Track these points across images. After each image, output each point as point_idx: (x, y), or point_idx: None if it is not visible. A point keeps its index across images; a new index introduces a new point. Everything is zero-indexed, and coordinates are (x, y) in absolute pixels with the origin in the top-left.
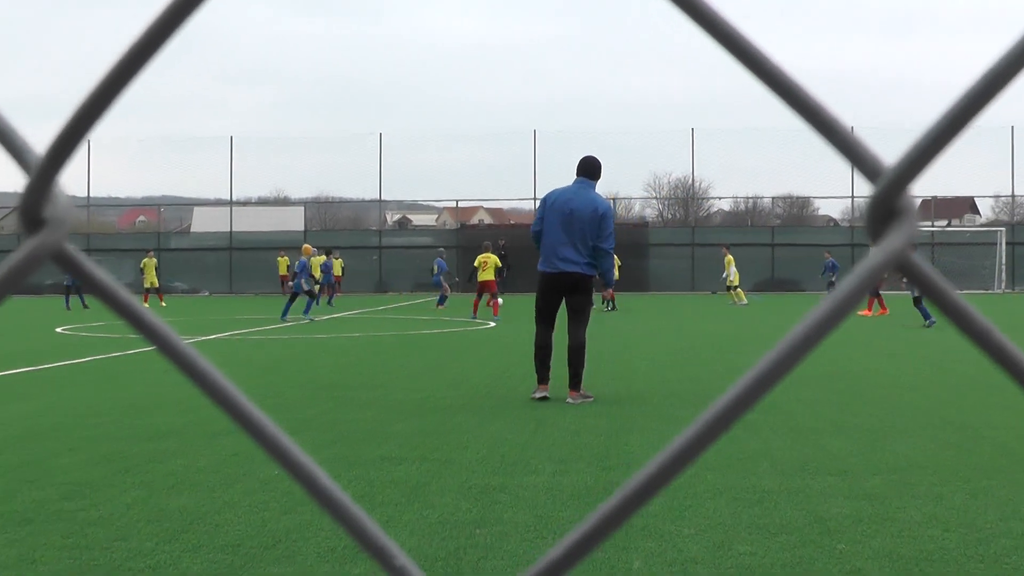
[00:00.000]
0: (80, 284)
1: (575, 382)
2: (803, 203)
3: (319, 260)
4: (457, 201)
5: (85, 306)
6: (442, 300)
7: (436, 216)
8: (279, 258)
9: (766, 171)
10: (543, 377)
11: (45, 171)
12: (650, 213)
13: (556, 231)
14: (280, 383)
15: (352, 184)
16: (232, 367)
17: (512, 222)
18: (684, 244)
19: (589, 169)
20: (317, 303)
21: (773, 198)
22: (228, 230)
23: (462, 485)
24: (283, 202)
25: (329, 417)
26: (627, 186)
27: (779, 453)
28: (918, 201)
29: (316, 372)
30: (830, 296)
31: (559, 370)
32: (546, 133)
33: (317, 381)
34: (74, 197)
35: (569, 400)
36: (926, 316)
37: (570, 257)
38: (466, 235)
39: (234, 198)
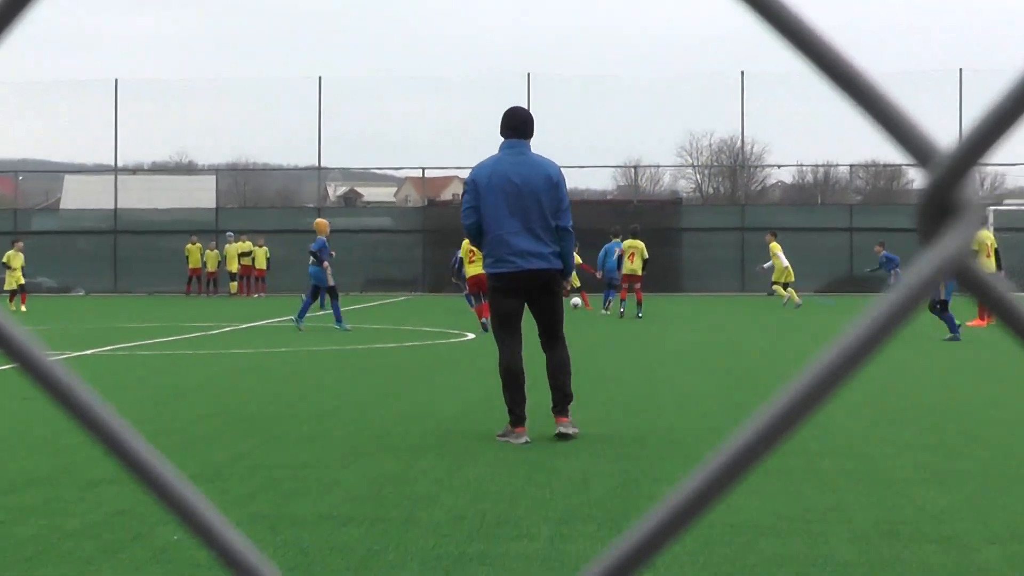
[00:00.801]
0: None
1: (565, 404)
2: (893, 173)
3: (237, 248)
4: (424, 169)
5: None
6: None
7: (395, 189)
8: (189, 245)
9: (843, 130)
10: (520, 415)
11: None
12: (684, 186)
13: (503, 217)
14: (184, 414)
15: (281, 146)
16: (118, 393)
17: None
18: (731, 228)
19: (522, 125)
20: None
21: (852, 166)
22: (112, 207)
23: (429, 554)
24: (187, 169)
25: (250, 461)
26: (652, 150)
27: (859, 512)
28: (981, 192)
29: (233, 399)
30: (866, 312)
31: (538, 397)
32: (544, 79)
33: (235, 412)
34: None
35: (561, 430)
36: (952, 328)
37: (531, 249)
38: (436, 215)
39: (120, 164)
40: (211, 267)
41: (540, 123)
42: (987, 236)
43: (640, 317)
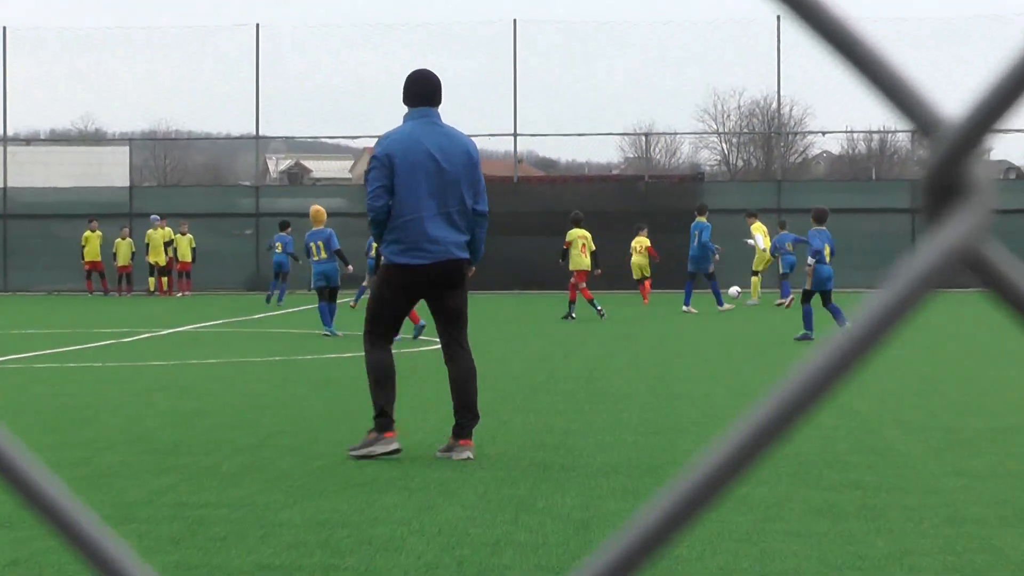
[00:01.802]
0: None
1: (472, 424)
2: None
3: (162, 235)
4: None
5: None
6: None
7: (351, 163)
8: (87, 232)
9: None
10: (390, 420)
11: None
12: (707, 158)
13: (422, 198)
14: (91, 442)
15: (211, 111)
16: (9, 416)
17: None
18: (766, 209)
19: (434, 91)
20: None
21: (914, 132)
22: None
23: None
24: (94, 139)
25: (173, 498)
26: (669, 114)
27: (924, 558)
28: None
29: (151, 423)
30: (864, 309)
31: (519, 415)
32: (534, 26)
33: (153, 438)
34: None
35: (468, 455)
36: (836, 316)
37: (446, 237)
38: None
39: (8, 132)
40: (122, 260)
41: (531, 80)
42: None
43: (602, 316)
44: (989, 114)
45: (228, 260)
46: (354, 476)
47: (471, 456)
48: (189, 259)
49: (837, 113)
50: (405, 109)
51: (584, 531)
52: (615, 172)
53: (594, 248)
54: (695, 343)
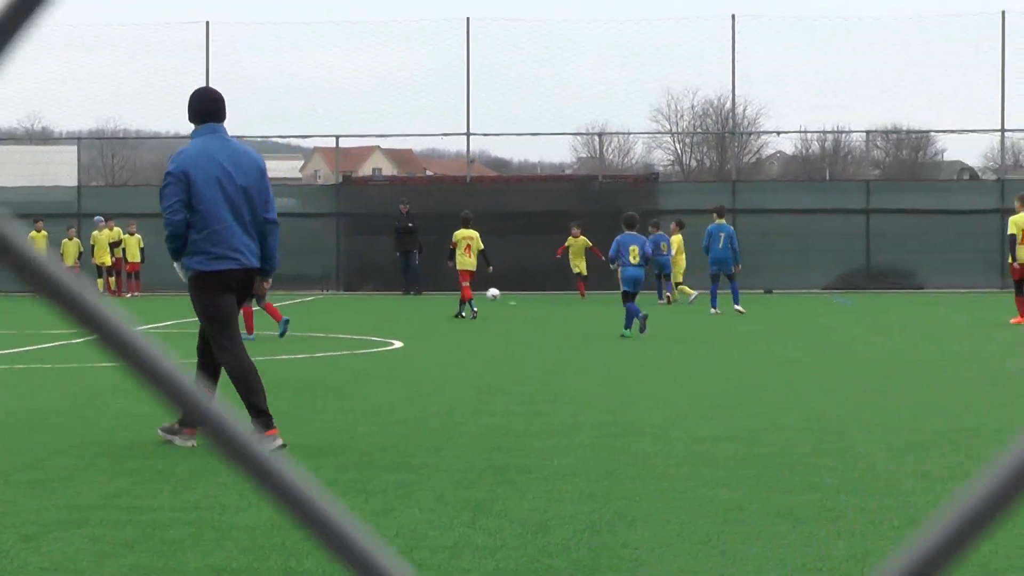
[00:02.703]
0: None
1: (259, 412)
2: (918, 141)
3: (107, 236)
4: (338, 138)
5: None
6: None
7: (302, 163)
8: (33, 233)
9: (857, 88)
10: (270, 417)
11: None
12: (660, 158)
13: (223, 209)
14: (41, 445)
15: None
16: None
17: (428, 172)
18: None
19: (219, 107)
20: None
21: (868, 132)
22: None
23: None
24: (42, 138)
25: (126, 502)
26: (622, 113)
27: (884, 559)
28: None
29: (103, 426)
30: None
31: (496, 418)
32: (487, 23)
33: (105, 441)
34: None
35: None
36: (628, 322)
37: (248, 246)
38: (353, 194)
39: None
40: (69, 260)
41: (484, 79)
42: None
43: (474, 318)
44: None
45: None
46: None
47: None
48: (138, 259)
49: (791, 113)
50: (360, 108)
51: (542, 534)
52: (568, 172)
53: (482, 247)
54: (653, 343)
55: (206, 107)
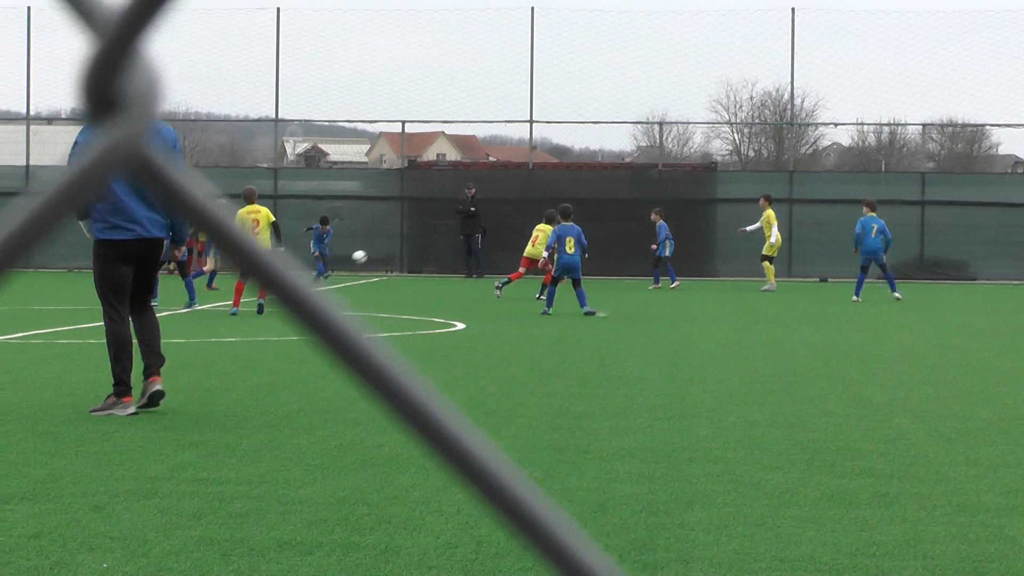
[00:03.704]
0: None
1: (160, 365)
2: (973, 135)
3: None
4: (403, 123)
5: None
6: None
7: (367, 147)
8: None
9: (913, 82)
10: (127, 387)
11: (125, 26)
12: (719, 148)
13: (116, 181)
14: (113, 418)
15: (229, 93)
16: (28, 391)
17: (491, 158)
18: (777, 200)
19: None
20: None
21: (924, 125)
22: (23, 163)
23: None
24: None
25: (193, 474)
26: (682, 103)
27: (936, 546)
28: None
29: (171, 400)
30: None
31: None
32: (551, 13)
33: (173, 414)
34: None
35: (158, 387)
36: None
37: (143, 216)
38: (417, 178)
39: (32, 111)
40: None
41: (547, 67)
42: None
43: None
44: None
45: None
46: (371, 455)
47: (161, 388)
48: (205, 240)
49: (848, 105)
50: (425, 94)
51: (600, 514)
52: (628, 160)
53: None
54: (705, 328)
55: None
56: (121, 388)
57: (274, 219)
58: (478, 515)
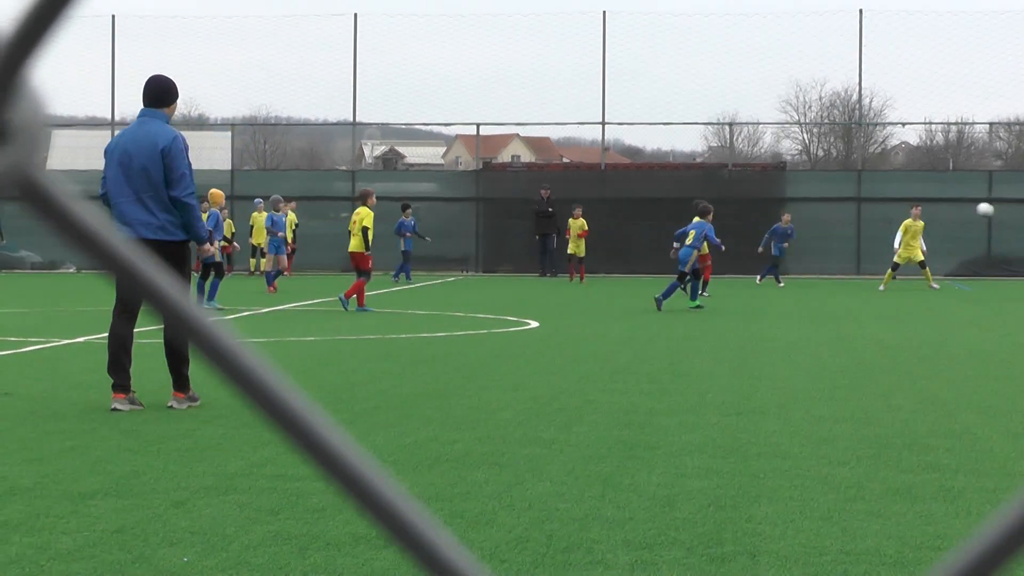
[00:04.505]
0: None
1: (181, 382)
2: None
3: (262, 218)
4: (478, 126)
5: None
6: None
7: (444, 149)
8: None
9: (980, 82)
10: (121, 383)
11: (9, 56)
12: (789, 147)
13: (118, 185)
14: (193, 414)
15: (309, 97)
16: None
17: (566, 160)
18: (845, 199)
19: (153, 93)
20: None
21: (992, 124)
22: None
23: None
24: (198, 124)
25: (272, 471)
26: (752, 104)
27: None
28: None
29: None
30: None
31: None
32: (622, 17)
33: (240, 416)
34: None
35: (173, 404)
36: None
37: (137, 219)
38: (492, 180)
39: (117, 117)
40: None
41: (619, 70)
42: None
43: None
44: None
45: (325, 242)
46: (445, 452)
47: (177, 406)
48: (291, 238)
49: (916, 105)
50: (499, 97)
51: (669, 508)
52: (699, 160)
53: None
54: (774, 327)
55: (143, 93)
56: (116, 385)
57: (366, 225)
58: (549, 511)
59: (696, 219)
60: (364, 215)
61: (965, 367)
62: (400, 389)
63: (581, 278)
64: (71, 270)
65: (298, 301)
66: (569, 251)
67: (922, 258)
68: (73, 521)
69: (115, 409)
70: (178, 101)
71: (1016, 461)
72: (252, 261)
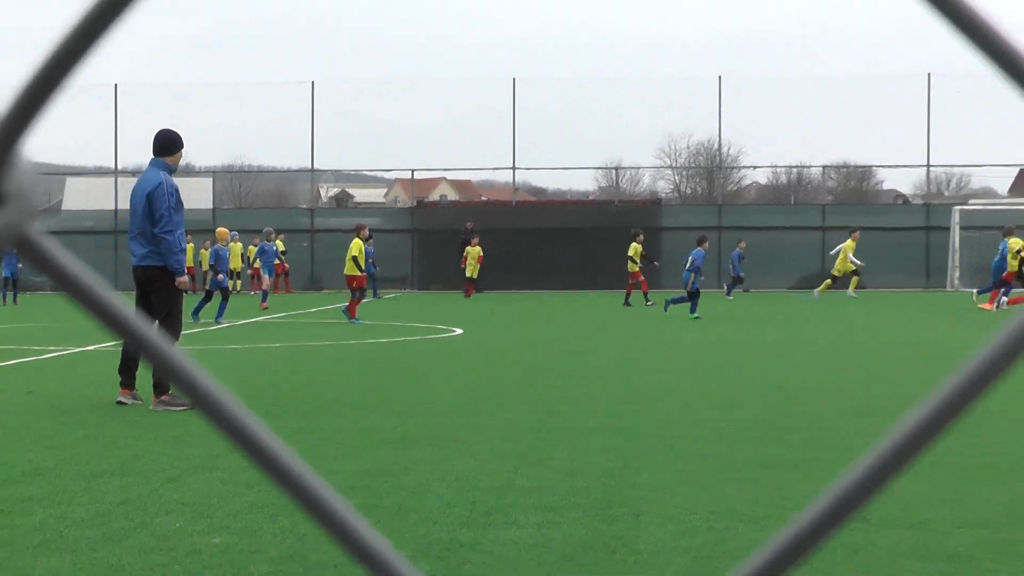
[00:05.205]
0: (17, 278)
1: (157, 389)
2: (863, 174)
3: (237, 248)
4: (412, 171)
5: (15, 302)
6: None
7: (385, 190)
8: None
9: (815, 133)
10: (127, 382)
11: (5, 132)
12: (663, 187)
13: (129, 221)
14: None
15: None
16: (118, 389)
17: (483, 198)
18: (708, 227)
19: (155, 144)
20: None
21: (824, 167)
22: (112, 207)
23: (421, 541)
24: (185, 171)
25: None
26: (633, 151)
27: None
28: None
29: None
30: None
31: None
32: (530, 82)
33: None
34: None
35: (152, 407)
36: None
37: (135, 250)
38: (424, 215)
39: (120, 166)
40: (205, 266)
41: (526, 126)
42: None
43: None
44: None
45: (290, 266)
46: (389, 435)
47: (154, 408)
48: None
49: (764, 152)
50: (430, 147)
51: (571, 478)
52: (591, 197)
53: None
54: (660, 331)
55: (152, 145)
56: (123, 383)
57: (355, 254)
58: (473, 482)
59: (697, 248)
60: (354, 246)
61: (810, 360)
62: (354, 385)
63: (470, 294)
64: None
65: (271, 313)
66: (468, 274)
67: (854, 268)
68: (86, 495)
69: (120, 402)
70: (182, 151)
71: (852, 437)
72: (230, 283)
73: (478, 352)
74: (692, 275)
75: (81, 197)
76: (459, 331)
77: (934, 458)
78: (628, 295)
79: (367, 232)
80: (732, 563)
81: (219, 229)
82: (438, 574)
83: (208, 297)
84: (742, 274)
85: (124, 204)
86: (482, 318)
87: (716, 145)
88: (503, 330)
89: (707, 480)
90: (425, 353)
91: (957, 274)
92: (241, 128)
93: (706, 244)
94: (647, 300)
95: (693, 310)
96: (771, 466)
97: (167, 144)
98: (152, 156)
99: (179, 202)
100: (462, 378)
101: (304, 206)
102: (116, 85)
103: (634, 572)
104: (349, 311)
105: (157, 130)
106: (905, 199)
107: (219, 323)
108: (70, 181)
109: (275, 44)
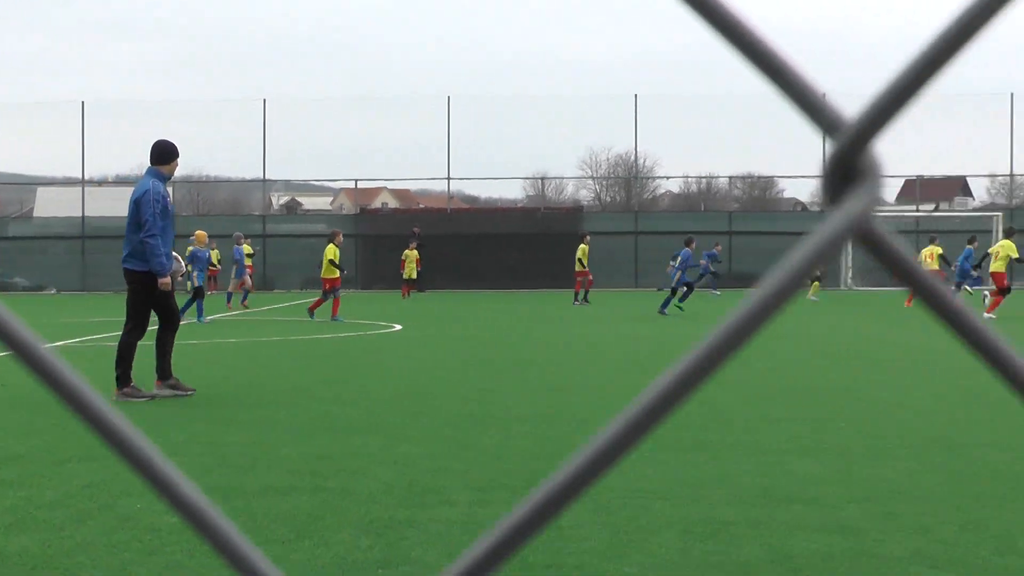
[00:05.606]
0: None
1: (161, 373)
2: (766, 184)
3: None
4: (356, 181)
5: None
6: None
7: (331, 199)
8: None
9: (722, 146)
10: (123, 380)
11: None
12: (585, 195)
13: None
14: (150, 400)
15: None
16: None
17: (421, 205)
18: (626, 232)
19: (151, 153)
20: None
21: (731, 178)
22: (80, 215)
23: (362, 519)
24: None
25: (206, 439)
26: (558, 163)
27: (739, 479)
28: (885, 163)
29: (195, 385)
30: (773, 272)
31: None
32: (463, 100)
33: (192, 397)
34: None
35: (115, 398)
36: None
37: (124, 251)
38: (367, 221)
39: (86, 176)
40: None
41: (460, 139)
42: (1009, 245)
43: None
44: (881, 114)
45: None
46: (335, 423)
47: (154, 393)
48: (217, 267)
49: (677, 163)
50: (373, 159)
51: (500, 461)
52: (519, 205)
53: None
54: (582, 328)
55: (150, 155)
56: (120, 381)
57: (331, 257)
58: (411, 465)
59: (684, 248)
60: (329, 250)
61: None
62: (302, 379)
63: (407, 295)
64: (52, 292)
65: (223, 312)
66: (405, 276)
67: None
68: (55, 479)
69: (123, 396)
70: (177, 160)
71: (753, 421)
72: (189, 284)
73: (416, 346)
74: (679, 272)
75: (51, 206)
76: (399, 327)
77: (827, 441)
78: (577, 293)
79: (341, 238)
80: (648, 537)
81: (198, 232)
82: (378, 549)
83: (198, 295)
84: (712, 269)
85: (91, 212)
86: (420, 315)
87: (633, 157)
88: (439, 326)
89: (623, 462)
90: (367, 347)
91: (850, 274)
92: (199, 142)
93: (693, 245)
94: (580, 298)
95: (683, 299)
96: (682, 448)
97: (163, 154)
98: (150, 166)
99: (165, 208)
100: (402, 370)
101: (257, 213)
102: (83, 102)
103: (556, 544)
104: (331, 310)
105: (154, 141)
106: (804, 206)
107: (202, 321)
108: (41, 190)
109: (230, 65)
